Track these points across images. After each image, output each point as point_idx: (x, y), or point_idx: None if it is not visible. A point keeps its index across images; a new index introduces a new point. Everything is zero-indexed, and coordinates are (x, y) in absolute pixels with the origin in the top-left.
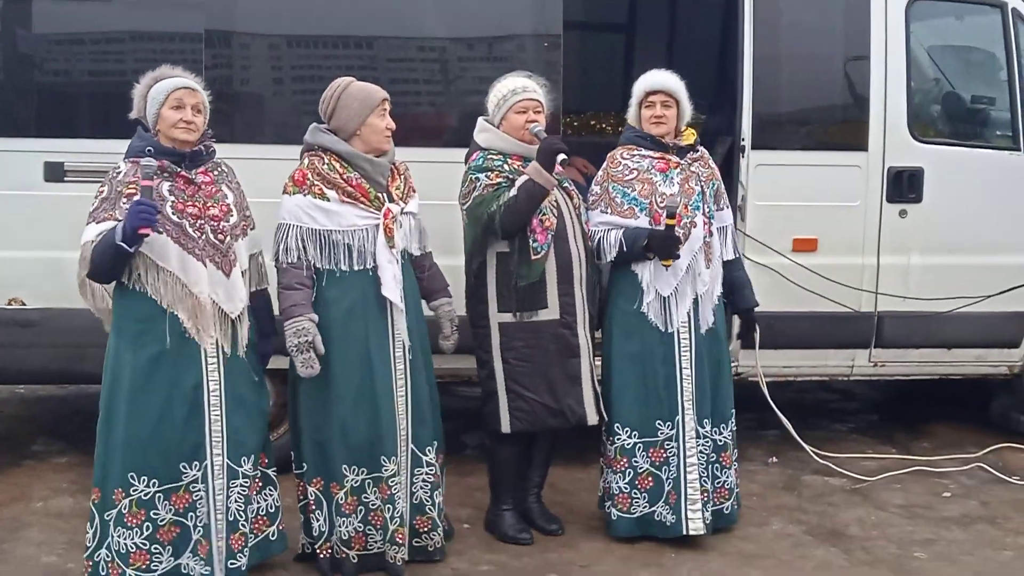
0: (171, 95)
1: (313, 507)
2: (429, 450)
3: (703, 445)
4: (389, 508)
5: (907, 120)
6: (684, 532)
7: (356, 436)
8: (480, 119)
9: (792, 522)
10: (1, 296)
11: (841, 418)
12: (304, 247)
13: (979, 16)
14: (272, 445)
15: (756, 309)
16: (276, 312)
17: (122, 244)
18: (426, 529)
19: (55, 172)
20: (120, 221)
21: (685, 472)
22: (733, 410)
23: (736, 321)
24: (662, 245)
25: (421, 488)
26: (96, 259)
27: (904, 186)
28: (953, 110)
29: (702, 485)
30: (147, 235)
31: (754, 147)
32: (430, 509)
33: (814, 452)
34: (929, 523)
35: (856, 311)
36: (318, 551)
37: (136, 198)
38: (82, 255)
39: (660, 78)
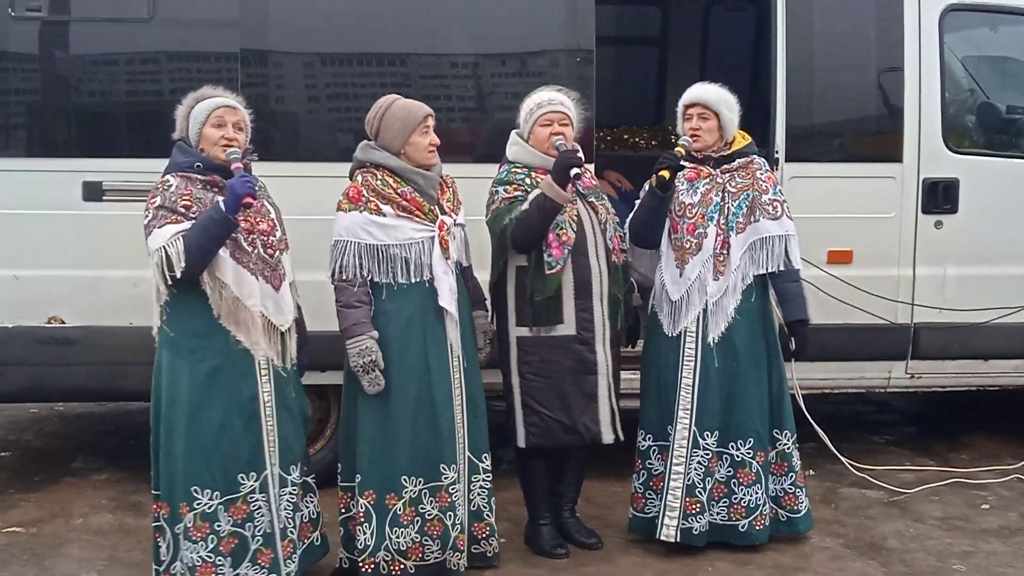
0: (212, 114)
1: (361, 520)
2: (485, 457)
3: (703, 457)
4: (450, 516)
5: (942, 131)
6: (656, 535)
7: (417, 445)
8: (512, 132)
9: (830, 535)
10: (41, 314)
11: (878, 430)
12: (361, 263)
13: (1013, 26)
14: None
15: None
16: (336, 329)
17: (230, 216)
18: (484, 535)
19: (93, 191)
20: (192, 219)
21: (669, 478)
22: (767, 427)
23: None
24: (655, 166)
25: (479, 495)
26: (196, 244)
27: (939, 197)
28: (988, 120)
29: (694, 496)
30: (251, 205)
31: (788, 160)
32: (488, 515)
33: (851, 464)
34: (967, 535)
35: (892, 323)
36: (361, 565)
37: (236, 176)
38: (161, 259)
39: (696, 91)
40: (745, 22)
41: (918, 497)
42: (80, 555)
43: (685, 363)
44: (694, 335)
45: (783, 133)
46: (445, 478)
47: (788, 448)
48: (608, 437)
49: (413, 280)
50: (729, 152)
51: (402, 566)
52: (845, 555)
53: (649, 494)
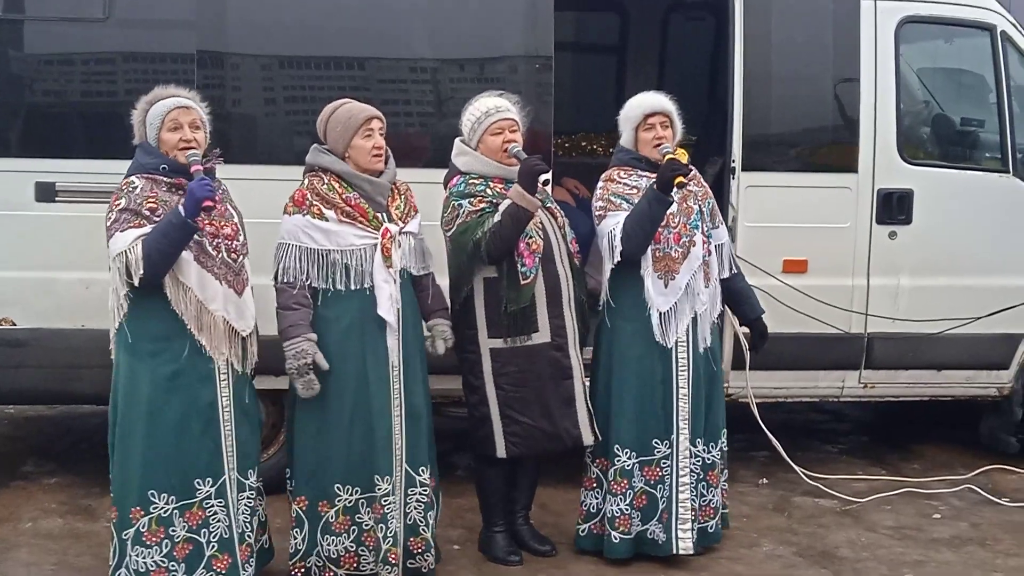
0: (167, 117)
1: (293, 524)
2: (423, 470)
3: (694, 464)
4: (382, 528)
5: (897, 142)
6: (674, 551)
7: (351, 455)
8: (457, 141)
9: (782, 543)
10: None
11: (831, 439)
12: (301, 267)
13: (968, 38)
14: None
15: (746, 331)
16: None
17: (189, 220)
18: (420, 550)
19: (46, 192)
20: (153, 225)
21: (677, 491)
22: (724, 429)
23: (729, 340)
24: (665, 173)
25: (415, 508)
26: (157, 249)
27: (894, 208)
28: (943, 132)
29: (692, 504)
30: (211, 207)
31: (744, 168)
32: (423, 530)
33: (804, 473)
34: (919, 545)
35: (846, 332)
36: (292, 568)
37: (195, 180)
38: (122, 264)
39: (658, 100)
40: (704, 31)
41: (870, 506)
42: (29, 559)
43: (680, 373)
44: (685, 345)
45: (740, 142)
46: (379, 489)
47: (725, 446)
48: (588, 439)
49: (353, 287)
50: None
51: (333, 573)
52: (797, 563)
53: (632, 512)
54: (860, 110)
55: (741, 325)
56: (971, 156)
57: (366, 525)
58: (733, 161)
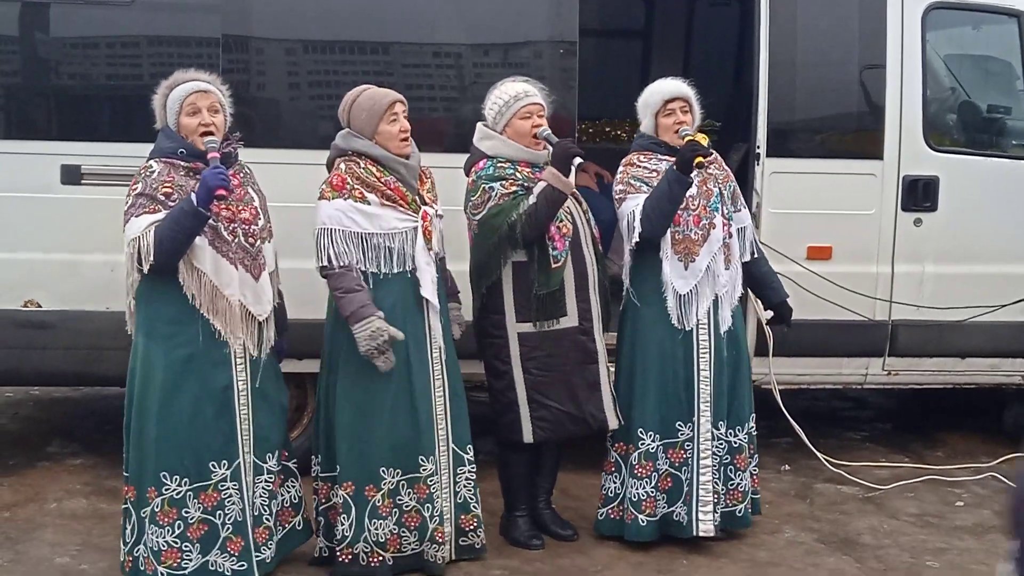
0: (185, 102)
1: (340, 511)
2: (469, 448)
3: (717, 447)
4: (428, 507)
5: (923, 129)
6: (695, 533)
7: (396, 437)
8: (480, 126)
9: (804, 530)
10: (17, 298)
11: (854, 426)
12: (350, 250)
13: (995, 25)
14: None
15: (770, 320)
16: (315, 317)
17: (201, 209)
18: (472, 527)
19: (72, 175)
20: (168, 210)
21: (699, 473)
22: (752, 413)
23: (752, 325)
24: (685, 154)
25: (464, 487)
26: (169, 236)
27: (919, 195)
28: (969, 119)
29: (714, 487)
30: (224, 196)
31: (769, 155)
32: (474, 507)
33: (827, 460)
34: (942, 532)
35: (870, 319)
36: (339, 555)
37: (209, 168)
38: (134, 251)
39: (677, 85)
40: (729, 16)
41: (893, 493)
42: (54, 539)
43: (701, 356)
44: (707, 327)
45: (765, 128)
46: (424, 470)
47: (754, 431)
48: (613, 423)
49: (396, 270)
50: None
51: (380, 557)
52: (819, 550)
53: (657, 495)
54: (886, 96)
55: (765, 309)
56: (997, 143)
57: (407, 506)
58: (758, 147)
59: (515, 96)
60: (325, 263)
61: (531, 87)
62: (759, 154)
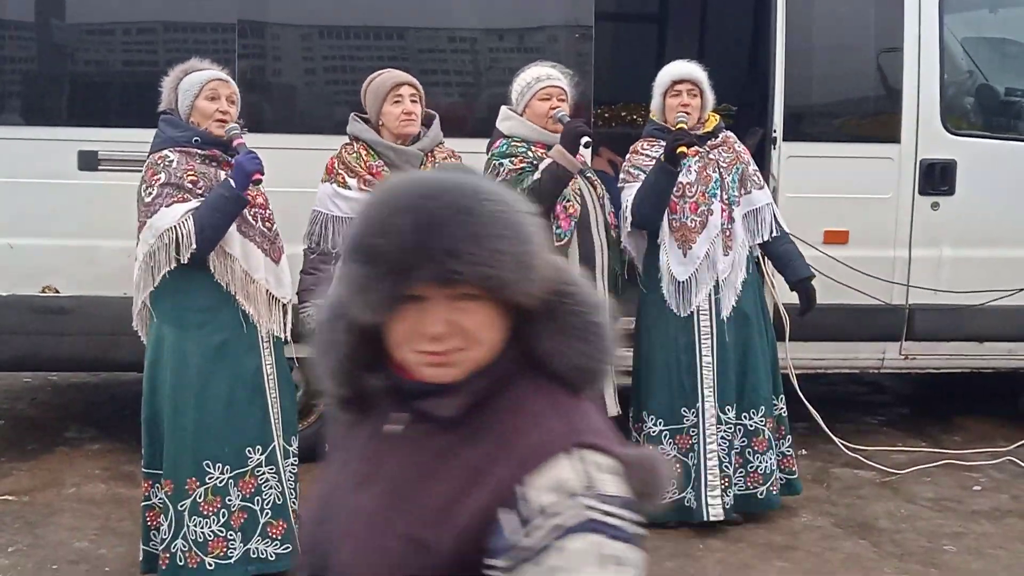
0: (207, 86)
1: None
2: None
3: (728, 432)
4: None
5: (940, 112)
6: (705, 517)
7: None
8: (503, 108)
9: (821, 514)
10: (35, 284)
11: (871, 411)
12: (326, 233)
13: (1013, 8)
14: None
15: (786, 303)
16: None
17: (240, 194)
18: None
19: (89, 161)
20: (196, 198)
21: (705, 458)
22: (771, 394)
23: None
24: (669, 144)
25: None
26: (210, 223)
27: (936, 178)
28: (986, 102)
29: (722, 471)
30: (260, 181)
31: (786, 139)
32: None
33: (844, 445)
34: (959, 516)
35: (887, 304)
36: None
37: (243, 153)
38: (170, 239)
39: (686, 67)
40: (744, 0)
41: (910, 478)
42: (72, 524)
43: (702, 341)
44: (707, 313)
45: (781, 112)
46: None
47: (784, 412)
48: (613, 410)
49: None
50: (711, 129)
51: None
52: (836, 534)
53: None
54: (903, 80)
55: (791, 289)
56: (1015, 126)
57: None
58: (774, 131)
59: (537, 78)
60: (306, 244)
61: (555, 71)
62: (775, 138)
